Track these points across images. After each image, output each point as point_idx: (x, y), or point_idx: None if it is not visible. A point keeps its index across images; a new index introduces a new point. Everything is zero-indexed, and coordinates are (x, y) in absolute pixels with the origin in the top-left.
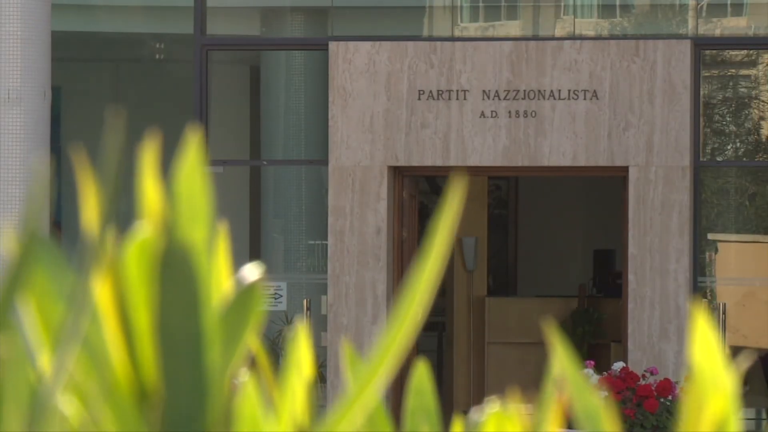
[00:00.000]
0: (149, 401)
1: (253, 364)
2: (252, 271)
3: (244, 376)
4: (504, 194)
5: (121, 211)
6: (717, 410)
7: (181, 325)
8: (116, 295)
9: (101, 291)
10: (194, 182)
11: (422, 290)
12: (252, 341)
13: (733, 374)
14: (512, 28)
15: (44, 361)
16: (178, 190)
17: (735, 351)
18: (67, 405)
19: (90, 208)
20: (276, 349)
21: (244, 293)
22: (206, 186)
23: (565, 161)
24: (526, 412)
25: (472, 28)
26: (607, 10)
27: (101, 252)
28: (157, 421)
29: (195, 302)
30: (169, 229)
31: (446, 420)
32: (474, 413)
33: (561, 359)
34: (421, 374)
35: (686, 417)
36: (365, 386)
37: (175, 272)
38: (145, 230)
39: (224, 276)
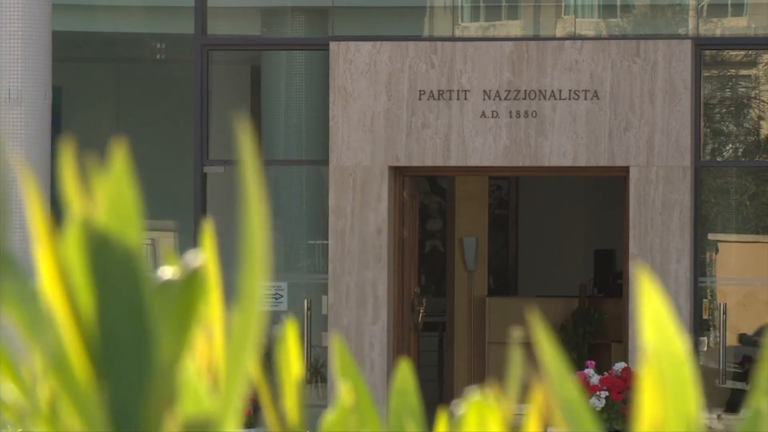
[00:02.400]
0: (95, 387)
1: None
2: (194, 258)
3: (192, 362)
4: (504, 194)
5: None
6: (676, 387)
7: (116, 313)
8: (62, 285)
9: (50, 281)
10: (121, 185)
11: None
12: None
13: (688, 346)
14: (513, 28)
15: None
16: (106, 191)
17: (735, 350)
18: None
19: (32, 208)
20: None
21: (187, 280)
22: (133, 189)
23: (566, 161)
24: (518, 411)
25: (472, 28)
26: (607, 10)
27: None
28: (102, 405)
29: (128, 290)
30: (98, 225)
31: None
32: (455, 406)
33: (547, 356)
34: (404, 374)
35: (644, 398)
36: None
37: (106, 262)
38: (76, 226)
39: (213, 275)
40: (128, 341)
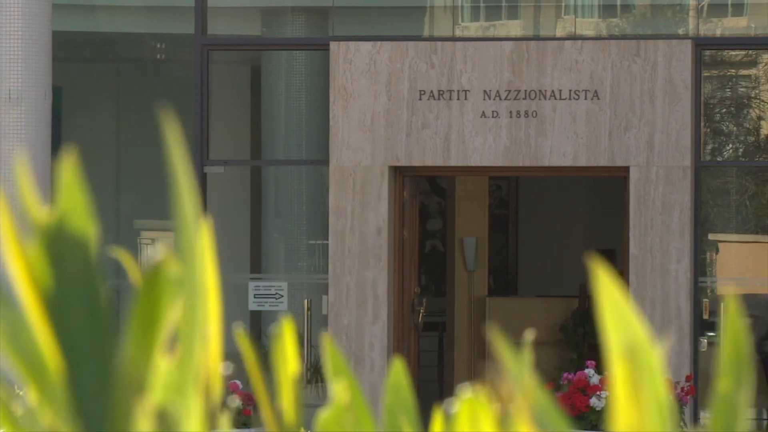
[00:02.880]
0: (63, 381)
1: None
2: (158, 253)
3: (164, 358)
4: (504, 194)
5: (123, 211)
6: (647, 381)
7: (75, 309)
8: (30, 286)
9: (21, 283)
10: (74, 192)
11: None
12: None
13: (651, 335)
14: (513, 28)
15: None
16: (61, 199)
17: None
18: None
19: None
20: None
21: (151, 275)
22: (86, 196)
23: (566, 161)
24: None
25: (472, 28)
26: (607, 10)
27: None
28: (70, 403)
29: (83, 285)
30: (57, 226)
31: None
32: (448, 404)
33: (506, 358)
34: (398, 371)
35: (618, 398)
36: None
37: (59, 260)
38: (42, 226)
39: (210, 275)
40: (85, 336)
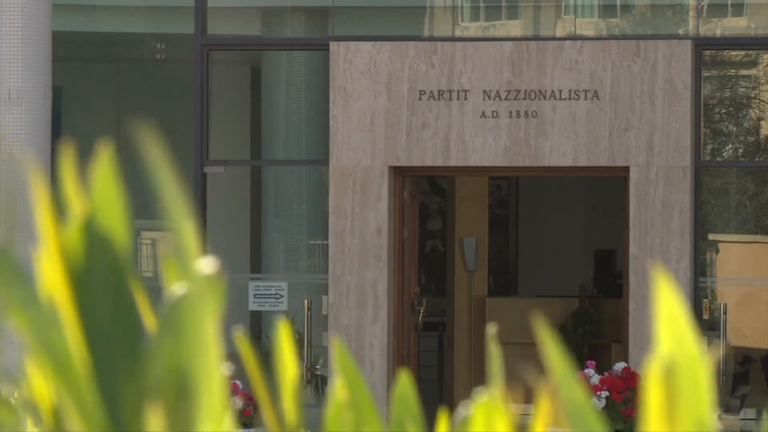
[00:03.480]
0: (91, 381)
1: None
2: (208, 265)
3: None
4: (504, 194)
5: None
6: (690, 392)
7: (104, 310)
8: (66, 283)
9: (53, 282)
10: (108, 188)
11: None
12: (216, 331)
13: (705, 353)
14: (513, 28)
15: None
16: (95, 194)
17: (736, 351)
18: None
19: (42, 210)
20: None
21: (197, 286)
22: (119, 191)
23: (566, 161)
24: (524, 411)
25: (472, 28)
26: (607, 10)
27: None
28: (97, 401)
29: (114, 286)
30: (89, 225)
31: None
32: (463, 406)
33: (553, 359)
34: (404, 381)
35: (655, 405)
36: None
37: (96, 256)
38: (74, 225)
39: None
40: (114, 337)
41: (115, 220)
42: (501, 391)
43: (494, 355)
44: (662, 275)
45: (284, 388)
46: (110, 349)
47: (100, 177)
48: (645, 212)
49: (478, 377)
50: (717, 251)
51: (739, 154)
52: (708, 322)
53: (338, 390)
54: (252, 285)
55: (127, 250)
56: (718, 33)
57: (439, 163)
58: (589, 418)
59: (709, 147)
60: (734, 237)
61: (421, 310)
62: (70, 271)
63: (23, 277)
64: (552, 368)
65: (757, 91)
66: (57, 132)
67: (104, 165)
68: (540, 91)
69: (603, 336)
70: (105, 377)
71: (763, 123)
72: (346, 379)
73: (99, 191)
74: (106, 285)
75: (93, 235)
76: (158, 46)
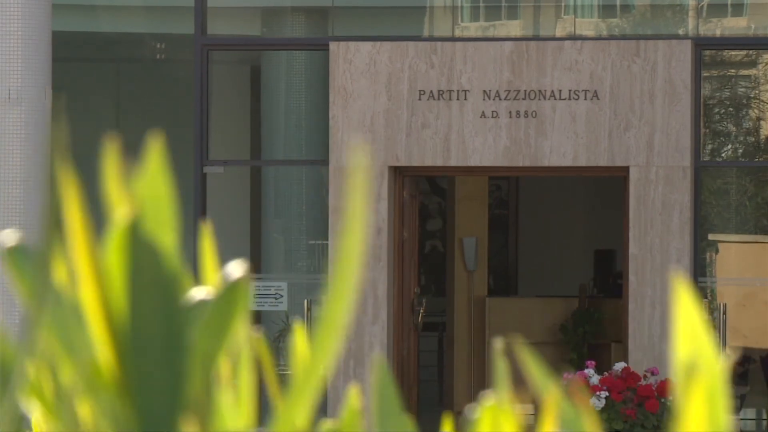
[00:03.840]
0: (125, 396)
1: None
2: (236, 268)
3: (229, 373)
4: (504, 194)
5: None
6: (708, 402)
7: (150, 320)
8: (98, 290)
9: (85, 286)
10: (157, 185)
11: (352, 270)
12: (245, 338)
13: (723, 361)
14: (513, 28)
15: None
16: (142, 192)
17: (735, 351)
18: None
19: (72, 210)
20: (276, 348)
21: (228, 289)
22: (169, 189)
23: (566, 161)
24: (524, 411)
25: (472, 28)
26: (607, 10)
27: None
28: (132, 416)
29: (162, 296)
30: (135, 227)
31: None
32: (469, 410)
33: (530, 365)
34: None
35: (680, 410)
36: (310, 372)
37: (141, 267)
38: (118, 227)
39: (210, 272)
40: (160, 347)
41: (165, 224)
42: (508, 394)
43: (499, 358)
44: (684, 286)
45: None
46: (152, 361)
47: (149, 175)
48: (645, 212)
49: (478, 377)
50: (717, 251)
51: (739, 154)
52: (708, 322)
53: (352, 398)
54: (252, 285)
55: (176, 257)
56: (718, 33)
57: (439, 163)
58: (579, 423)
59: (709, 147)
60: (734, 237)
61: (421, 310)
62: (110, 281)
63: (50, 277)
64: (534, 373)
65: (757, 91)
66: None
67: (154, 161)
68: (540, 91)
69: (603, 336)
70: (142, 389)
71: (762, 123)
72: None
73: (147, 191)
74: (153, 296)
75: (138, 241)
76: (158, 46)
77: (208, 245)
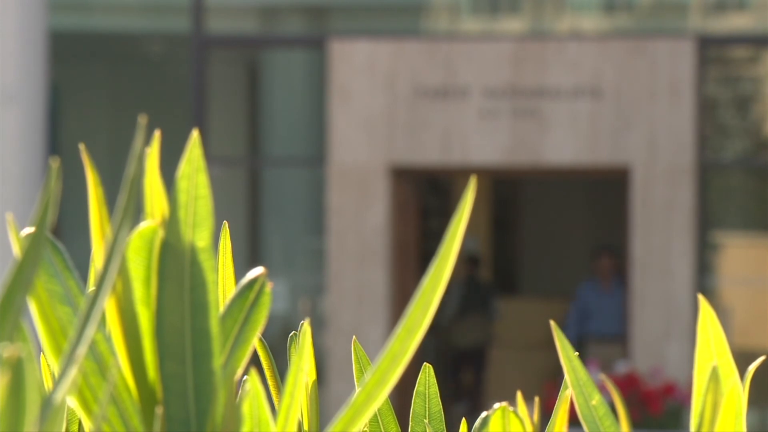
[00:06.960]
0: (152, 402)
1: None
2: (257, 273)
3: (251, 377)
4: (506, 194)
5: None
6: (728, 410)
7: (179, 325)
8: (121, 295)
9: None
10: (196, 184)
11: (432, 294)
12: (255, 342)
13: (738, 374)
14: (514, 26)
15: (49, 361)
16: (180, 192)
17: (736, 351)
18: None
19: (95, 213)
20: (276, 349)
21: (250, 295)
22: (207, 188)
23: (567, 160)
24: (528, 410)
25: (473, 26)
26: (609, 9)
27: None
28: (161, 422)
29: (195, 301)
30: (170, 230)
31: (449, 420)
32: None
33: (567, 361)
34: (427, 379)
35: (700, 418)
36: (373, 388)
37: (174, 272)
38: (147, 230)
39: (229, 276)
40: (186, 355)
41: (200, 222)
42: (516, 395)
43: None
44: (706, 304)
45: (304, 390)
46: (182, 366)
47: (186, 174)
48: (646, 212)
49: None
50: (718, 251)
51: (743, 152)
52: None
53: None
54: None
55: (210, 257)
56: (722, 31)
57: (439, 162)
58: (602, 419)
59: (712, 146)
60: (736, 237)
61: None
62: (133, 279)
63: (67, 270)
64: (566, 370)
65: (760, 89)
66: (55, 132)
67: (194, 157)
68: (541, 89)
69: None
70: (176, 402)
71: (765, 121)
72: (366, 386)
73: (184, 193)
74: (181, 294)
75: (173, 239)
76: (157, 44)
77: (227, 248)
